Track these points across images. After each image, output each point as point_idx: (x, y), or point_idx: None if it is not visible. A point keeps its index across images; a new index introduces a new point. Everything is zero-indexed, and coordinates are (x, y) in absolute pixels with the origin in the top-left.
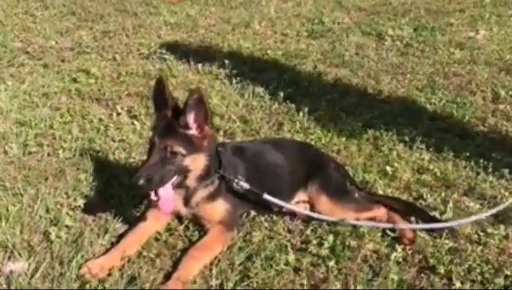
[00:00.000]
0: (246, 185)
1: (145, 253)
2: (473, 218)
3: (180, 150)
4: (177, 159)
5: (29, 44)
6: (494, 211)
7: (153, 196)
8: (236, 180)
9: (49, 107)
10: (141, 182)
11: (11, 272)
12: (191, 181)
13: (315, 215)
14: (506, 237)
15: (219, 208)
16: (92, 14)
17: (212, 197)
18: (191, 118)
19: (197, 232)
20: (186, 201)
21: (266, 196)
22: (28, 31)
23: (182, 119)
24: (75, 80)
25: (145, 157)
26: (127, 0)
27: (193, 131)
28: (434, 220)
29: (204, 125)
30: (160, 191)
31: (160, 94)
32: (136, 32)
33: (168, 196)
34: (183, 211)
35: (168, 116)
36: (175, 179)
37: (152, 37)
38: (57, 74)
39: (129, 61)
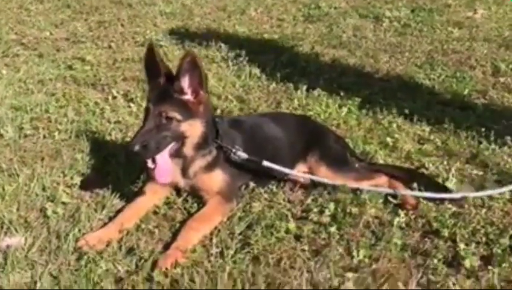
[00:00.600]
0: (244, 155)
1: (143, 226)
2: (485, 193)
3: (176, 115)
4: (172, 124)
5: (24, 36)
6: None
7: (150, 164)
8: (234, 150)
9: (45, 93)
10: (137, 148)
11: (7, 246)
12: (188, 149)
13: (316, 178)
14: (510, 200)
15: (217, 178)
16: (86, 7)
17: (210, 167)
18: (185, 82)
19: (196, 205)
20: (184, 172)
21: (265, 163)
22: (23, 23)
23: (177, 84)
24: (70, 67)
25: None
26: None
27: (188, 96)
28: (437, 185)
29: (199, 90)
30: (158, 159)
31: (151, 61)
32: (131, 22)
33: (165, 164)
34: (181, 182)
35: (162, 84)
36: (172, 146)
37: (147, 26)
38: (52, 62)
39: (125, 49)
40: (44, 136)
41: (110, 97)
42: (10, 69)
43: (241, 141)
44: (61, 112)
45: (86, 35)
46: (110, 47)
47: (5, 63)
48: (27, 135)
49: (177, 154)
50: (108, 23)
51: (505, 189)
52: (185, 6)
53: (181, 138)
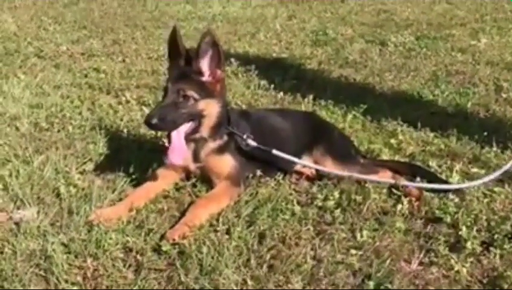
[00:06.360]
0: (253, 143)
1: (152, 206)
2: (481, 181)
3: (193, 94)
4: (189, 103)
5: (42, 50)
6: (501, 171)
7: (166, 143)
8: (244, 137)
9: (60, 96)
10: (154, 120)
11: (20, 219)
12: (204, 129)
13: (322, 168)
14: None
15: (227, 162)
16: (102, 27)
17: (220, 151)
18: (203, 63)
19: (204, 189)
20: (195, 155)
21: (275, 152)
22: (41, 40)
23: (195, 65)
24: (85, 76)
25: None
26: (136, 17)
27: (206, 77)
28: (440, 179)
29: (217, 69)
30: (173, 139)
31: (174, 42)
32: (145, 41)
33: (180, 145)
34: (192, 166)
35: (181, 64)
36: (190, 125)
37: (161, 45)
38: (68, 71)
39: (138, 62)
40: (58, 130)
41: (123, 101)
42: (27, 75)
43: (249, 131)
44: (76, 111)
45: (101, 51)
46: (124, 61)
47: (23, 71)
48: (42, 129)
49: (193, 133)
50: (123, 41)
51: (498, 172)
52: (197, 30)
53: (198, 117)
